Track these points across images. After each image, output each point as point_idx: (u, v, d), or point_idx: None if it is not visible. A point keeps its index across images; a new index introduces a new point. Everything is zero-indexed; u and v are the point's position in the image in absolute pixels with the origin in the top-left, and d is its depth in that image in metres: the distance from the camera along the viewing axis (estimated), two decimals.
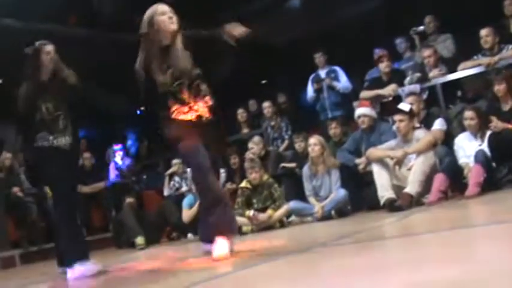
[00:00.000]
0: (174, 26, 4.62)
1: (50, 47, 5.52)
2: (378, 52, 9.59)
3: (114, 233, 9.89)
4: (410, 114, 7.01)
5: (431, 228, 4.76)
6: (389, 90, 8.29)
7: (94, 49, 10.64)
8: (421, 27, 9.49)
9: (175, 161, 10.47)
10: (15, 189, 10.06)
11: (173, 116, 4.66)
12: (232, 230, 4.70)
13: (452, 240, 3.55)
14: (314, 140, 7.69)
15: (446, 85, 8.02)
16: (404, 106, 7.12)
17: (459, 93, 8.30)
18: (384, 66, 8.62)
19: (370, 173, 7.05)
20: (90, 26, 11.00)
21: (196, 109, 4.68)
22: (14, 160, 10.54)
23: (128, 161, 12.36)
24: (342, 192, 7.45)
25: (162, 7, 4.70)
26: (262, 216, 7.55)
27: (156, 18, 4.62)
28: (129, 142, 15.77)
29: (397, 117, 7.00)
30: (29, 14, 9.68)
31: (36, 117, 5.35)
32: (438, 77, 8.02)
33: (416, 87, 7.95)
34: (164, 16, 4.63)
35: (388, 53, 9.01)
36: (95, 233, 10.58)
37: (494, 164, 6.55)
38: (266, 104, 10.30)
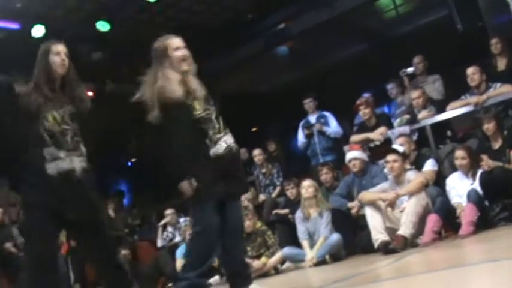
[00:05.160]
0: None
1: (60, 47, 4.40)
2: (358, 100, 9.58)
3: None
4: (403, 155, 6.99)
5: (426, 268, 4.73)
6: (377, 133, 8.26)
7: None
8: (411, 69, 9.49)
9: (168, 211, 10.43)
10: (8, 244, 9.90)
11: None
12: None
13: (448, 279, 3.52)
14: (307, 183, 7.73)
15: (436, 126, 8.00)
16: (398, 147, 7.11)
17: (449, 133, 8.28)
18: (362, 114, 8.61)
19: (363, 217, 6.98)
20: None
21: None
22: (5, 215, 10.41)
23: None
24: (336, 236, 7.40)
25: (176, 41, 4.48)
26: (257, 263, 7.50)
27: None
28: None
29: (391, 157, 6.93)
30: None
31: (39, 131, 4.22)
32: (427, 118, 8.02)
33: (406, 129, 7.94)
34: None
35: (371, 99, 8.95)
36: None
37: (486, 203, 6.53)
38: (256, 152, 10.28)
